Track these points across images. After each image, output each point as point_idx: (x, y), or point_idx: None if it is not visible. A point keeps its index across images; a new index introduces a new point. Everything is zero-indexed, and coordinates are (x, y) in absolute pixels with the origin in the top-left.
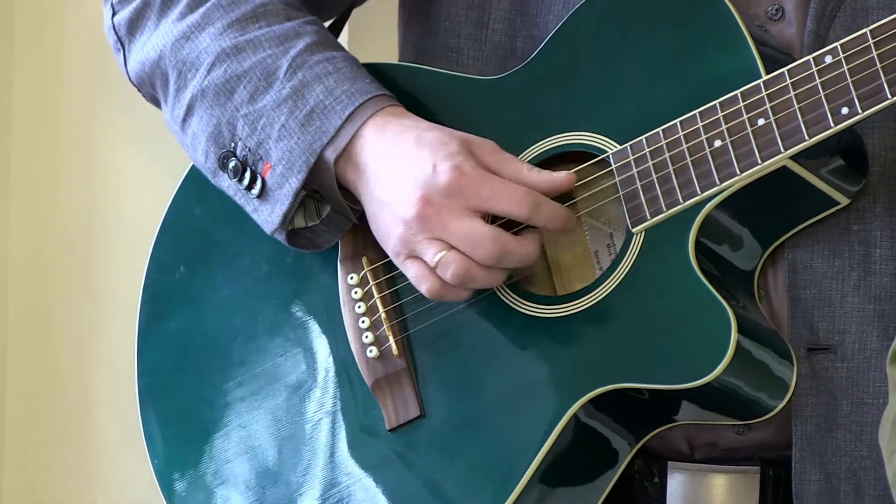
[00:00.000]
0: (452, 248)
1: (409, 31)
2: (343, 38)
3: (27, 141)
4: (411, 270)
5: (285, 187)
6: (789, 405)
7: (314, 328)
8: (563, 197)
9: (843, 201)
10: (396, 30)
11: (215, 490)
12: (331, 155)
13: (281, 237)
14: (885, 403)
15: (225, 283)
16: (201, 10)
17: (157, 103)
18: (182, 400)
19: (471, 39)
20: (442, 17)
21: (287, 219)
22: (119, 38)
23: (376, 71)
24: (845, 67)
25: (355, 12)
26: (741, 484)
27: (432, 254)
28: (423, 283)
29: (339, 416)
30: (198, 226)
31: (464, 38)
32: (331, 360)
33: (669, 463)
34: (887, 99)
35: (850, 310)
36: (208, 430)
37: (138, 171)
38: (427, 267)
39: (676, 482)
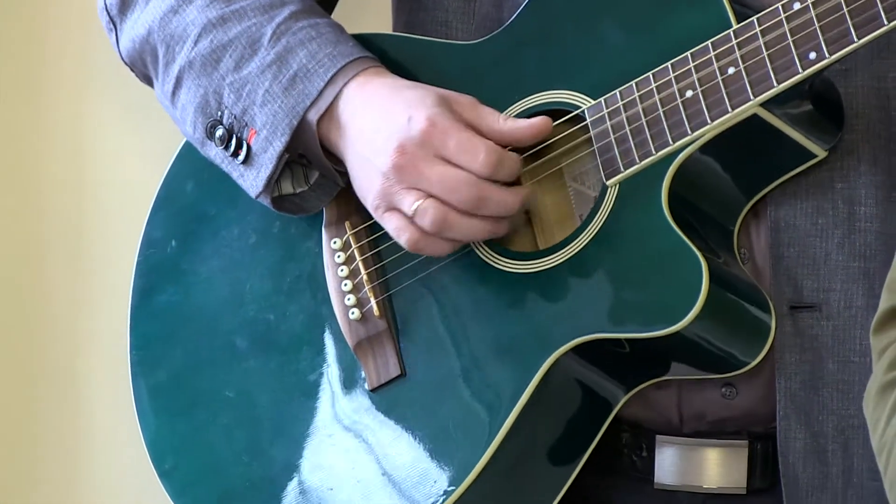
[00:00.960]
0: (430, 196)
1: (400, 7)
2: (335, 18)
3: (16, 117)
4: (391, 223)
5: (269, 151)
6: (772, 363)
7: (300, 294)
8: (541, 153)
9: (821, 154)
10: (390, 9)
11: (204, 455)
12: (313, 116)
13: (266, 201)
14: (872, 362)
15: (214, 254)
16: None
17: (149, 82)
18: (173, 371)
19: (459, 13)
20: (426, 4)
21: (271, 182)
22: (111, 18)
23: (362, 40)
24: (813, 13)
25: None
26: (730, 458)
27: (409, 202)
28: (402, 235)
29: (324, 378)
30: (188, 202)
31: (452, 11)
32: (315, 323)
33: (658, 437)
34: (854, 42)
35: (834, 268)
36: (198, 398)
37: (130, 151)
38: (406, 217)
39: (666, 456)
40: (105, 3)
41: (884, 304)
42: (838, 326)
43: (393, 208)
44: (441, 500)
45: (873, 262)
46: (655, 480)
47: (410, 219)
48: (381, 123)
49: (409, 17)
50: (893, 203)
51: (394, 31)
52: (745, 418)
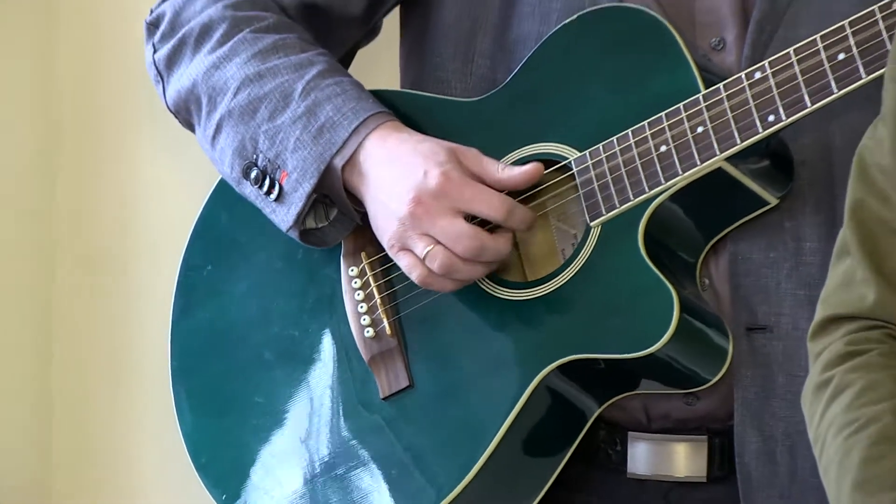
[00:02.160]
0: (438, 242)
1: (407, 66)
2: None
3: (76, 152)
4: (403, 261)
5: (299, 191)
6: (730, 377)
7: (320, 313)
8: (531, 198)
9: (773, 202)
10: (398, 67)
11: (236, 452)
12: (339, 163)
13: (294, 234)
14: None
15: (245, 278)
16: (229, 44)
17: (191, 128)
18: (207, 378)
19: (458, 73)
20: (434, 54)
21: (300, 218)
22: (159, 72)
23: (378, 95)
24: (772, 81)
25: (361, 51)
26: (692, 451)
27: (422, 247)
28: (413, 272)
29: (341, 388)
30: (223, 231)
31: (451, 71)
32: (334, 340)
33: (630, 433)
34: (808, 107)
35: (784, 295)
36: (230, 403)
37: (172, 185)
38: (417, 258)
39: (637, 450)
40: (154, 58)
41: (818, 315)
42: (787, 345)
43: (406, 249)
44: (443, 493)
45: (817, 290)
46: (628, 470)
47: (422, 260)
48: (399, 175)
49: (415, 76)
50: (833, 239)
51: (401, 87)
52: (705, 419)
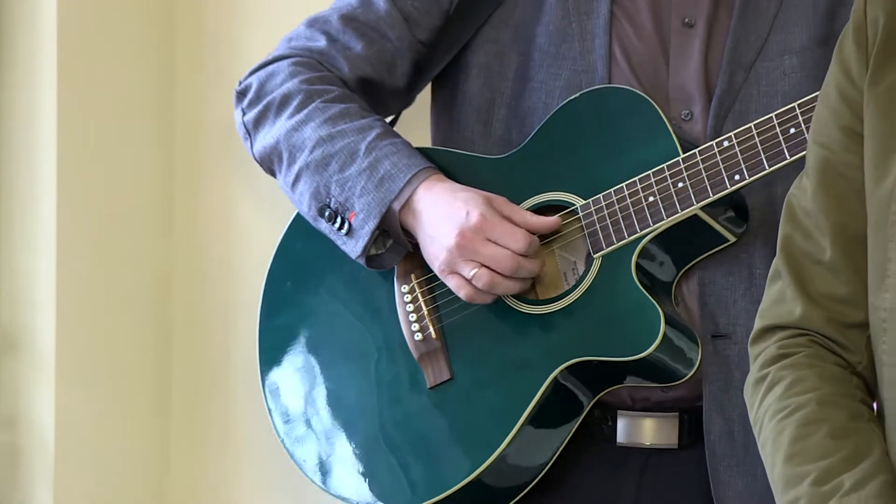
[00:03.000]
0: (482, 265)
1: (437, 127)
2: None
3: (189, 187)
4: (452, 282)
5: (365, 228)
6: (699, 373)
7: (379, 321)
8: (545, 235)
9: (732, 239)
10: (429, 127)
11: (313, 425)
12: (396, 206)
13: (361, 261)
14: None
15: (317, 293)
16: (304, 111)
17: (272, 174)
18: (289, 371)
19: (480, 134)
20: (460, 120)
21: (366, 249)
22: (248, 131)
23: (422, 152)
24: (738, 149)
25: (403, 114)
26: (666, 424)
27: (468, 270)
28: (461, 290)
29: (396, 378)
30: (298, 255)
31: (475, 132)
32: (390, 341)
33: (618, 412)
34: (766, 169)
35: (740, 310)
36: (309, 389)
37: (260, 220)
38: (464, 279)
39: (623, 424)
40: (243, 120)
41: (756, 325)
42: (742, 349)
43: (455, 272)
44: (479, 461)
45: None
46: (617, 440)
47: (468, 280)
48: (445, 215)
49: (444, 135)
50: None
51: (432, 143)
52: (677, 401)
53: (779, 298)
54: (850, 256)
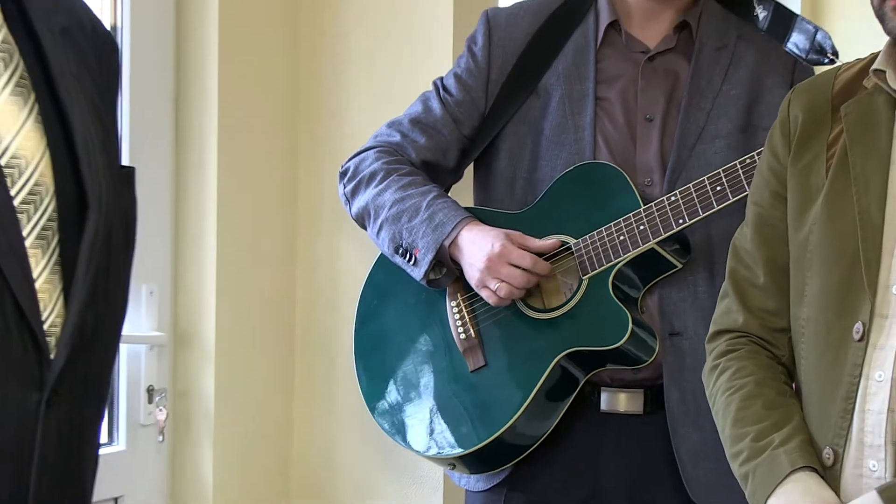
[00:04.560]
0: (503, 281)
1: (478, 194)
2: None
3: (311, 228)
4: (484, 293)
5: (425, 259)
6: (659, 359)
7: (436, 326)
8: (549, 256)
9: (679, 266)
10: (472, 193)
11: (391, 399)
12: (447, 243)
13: (423, 283)
14: (703, 363)
15: (394, 307)
16: (385, 182)
17: (364, 227)
18: (374, 361)
19: (506, 196)
20: (493, 188)
21: (426, 274)
22: (347, 199)
23: (466, 208)
24: (681, 201)
25: (457, 186)
26: (634, 396)
27: (494, 285)
28: (490, 299)
29: (449, 366)
30: (382, 281)
31: (504, 196)
32: (444, 339)
33: (601, 388)
34: (700, 215)
35: (688, 316)
36: (389, 374)
37: (358, 255)
38: (491, 291)
39: (605, 397)
40: (344, 192)
41: (711, 330)
42: (691, 343)
43: (485, 286)
44: (505, 418)
45: (707, 313)
46: (601, 408)
47: (494, 291)
48: (479, 248)
49: (483, 197)
50: (712, 285)
51: (474, 203)
52: (642, 381)
53: (726, 311)
54: (776, 282)
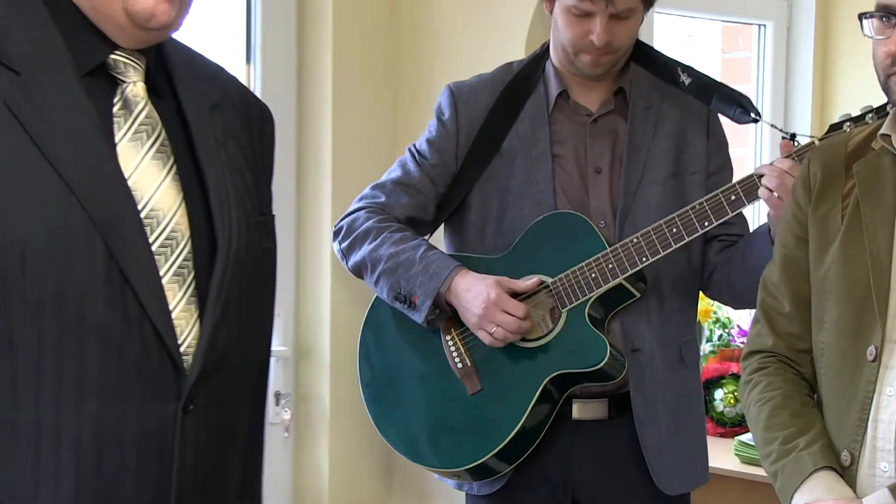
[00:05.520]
0: (499, 326)
1: (451, 240)
2: None
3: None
4: (480, 334)
5: (424, 305)
6: (626, 373)
7: (433, 357)
8: (530, 297)
9: (639, 295)
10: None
11: (400, 421)
12: (443, 290)
13: (423, 324)
14: (660, 376)
15: (393, 341)
16: (379, 239)
17: (360, 277)
18: (380, 388)
19: (477, 243)
20: (465, 237)
21: (427, 318)
22: (343, 254)
23: (452, 256)
24: (642, 242)
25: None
26: (600, 405)
27: (491, 328)
28: (486, 340)
29: (448, 390)
30: (382, 317)
31: (475, 244)
32: (441, 369)
33: (573, 400)
34: (661, 254)
35: (645, 335)
36: (393, 398)
37: (358, 299)
38: (488, 333)
39: (576, 407)
40: (340, 248)
41: (745, 349)
42: (648, 358)
43: (482, 329)
44: (502, 437)
45: (660, 333)
46: (572, 417)
47: (491, 334)
48: (474, 295)
49: (458, 244)
50: (662, 309)
51: (446, 250)
52: (606, 392)
53: (757, 334)
54: (800, 310)
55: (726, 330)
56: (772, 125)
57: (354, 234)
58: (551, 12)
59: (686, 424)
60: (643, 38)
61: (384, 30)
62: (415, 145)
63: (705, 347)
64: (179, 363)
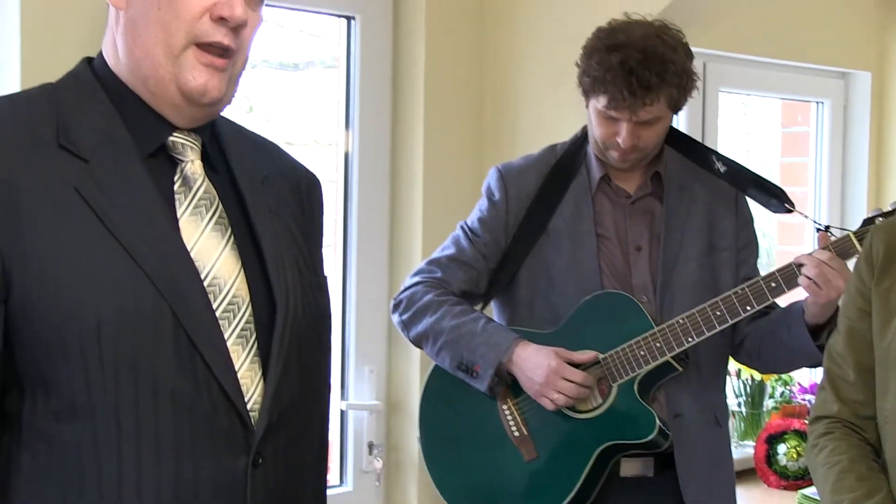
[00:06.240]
0: (560, 392)
1: (501, 313)
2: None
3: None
4: (542, 401)
5: (486, 374)
6: (671, 440)
7: (491, 424)
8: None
9: (682, 370)
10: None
11: (462, 485)
12: (504, 360)
13: (486, 392)
14: (699, 437)
15: (452, 409)
16: (439, 312)
17: (420, 347)
18: (442, 453)
19: (527, 317)
20: (515, 310)
21: (488, 385)
22: (404, 326)
23: (510, 328)
24: (688, 323)
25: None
26: (646, 462)
27: (553, 395)
28: (549, 406)
29: (505, 454)
30: (438, 387)
31: (525, 316)
32: (499, 436)
33: (621, 459)
34: (705, 334)
35: (685, 401)
36: (455, 463)
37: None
38: (550, 400)
39: (624, 466)
40: (401, 320)
41: (812, 414)
42: (688, 421)
43: (544, 396)
44: (562, 499)
45: (699, 401)
46: (620, 475)
47: (553, 401)
48: (535, 364)
49: (508, 318)
50: (700, 378)
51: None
52: (651, 451)
53: (823, 401)
54: (864, 378)
55: (787, 387)
56: (805, 216)
57: (415, 308)
58: (587, 107)
59: (720, 479)
60: (707, 113)
61: (471, 99)
62: (466, 223)
63: (768, 404)
64: (247, 420)
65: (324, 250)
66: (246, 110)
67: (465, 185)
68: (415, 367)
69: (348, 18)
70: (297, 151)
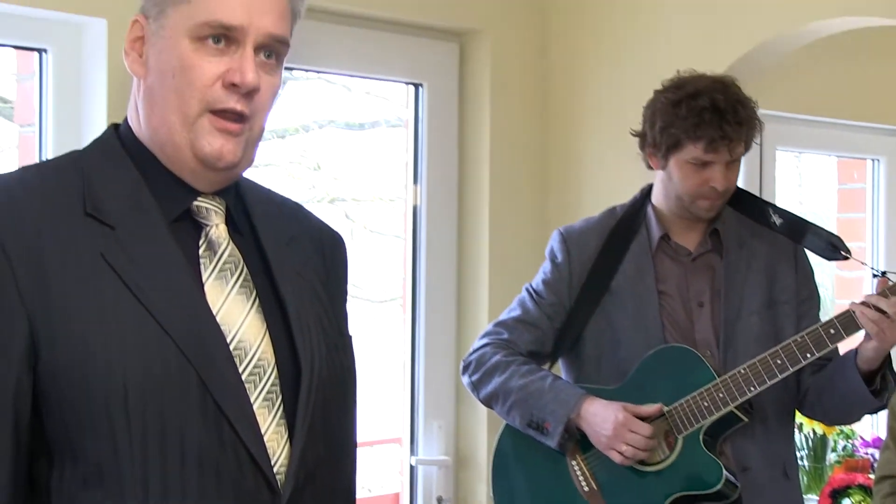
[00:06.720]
0: (628, 445)
1: (568, 372)
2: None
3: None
4: (611, 454)
5: (557, 431)
6: (739, 491)
7: (561, 480)
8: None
9: (746, 420)
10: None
11: None
12: (573, 415)
13: (556, 448)
14: (768, 491)
15: (523, 466)
16: (507, 372)
17: (490, 407)
18: (511, 502)
19: (594, 373)
20: (582, 368)
21: (558, 442)
22: (474, 386)
23: (577, 385)
24: (750, 373)
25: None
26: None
27: (621, 447)
28: (617, 458)
29: None
30: (509, 445)
31: (591, 375)
32: (569, 491)
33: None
34: (767, 383)
35: (752, 455)
36: None
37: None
38: (619, 453)
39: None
40: (471, 380)
41: (877, 474)
42: (755, 475)
43: (612, 449)
44: None
45: (767, 453)
46: None
47: (622, 453)
48: (604, 418)
49: (575, 375)
50: (766, 430)
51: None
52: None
53: (887, 460)
54: None
55: (850, 441)
56: (862, 262)
57: (484, 368)
58: (661, 168)
59: None
60: (765, 168)
61: (536, 163)
62: (531, 285)
63: (831, 457)
64: (274, 483)
65: (347, 307)
66: (313, 168)
67: (529, 247)
68: (482, 423)
69: (416, 85)
70: (362, 207)
